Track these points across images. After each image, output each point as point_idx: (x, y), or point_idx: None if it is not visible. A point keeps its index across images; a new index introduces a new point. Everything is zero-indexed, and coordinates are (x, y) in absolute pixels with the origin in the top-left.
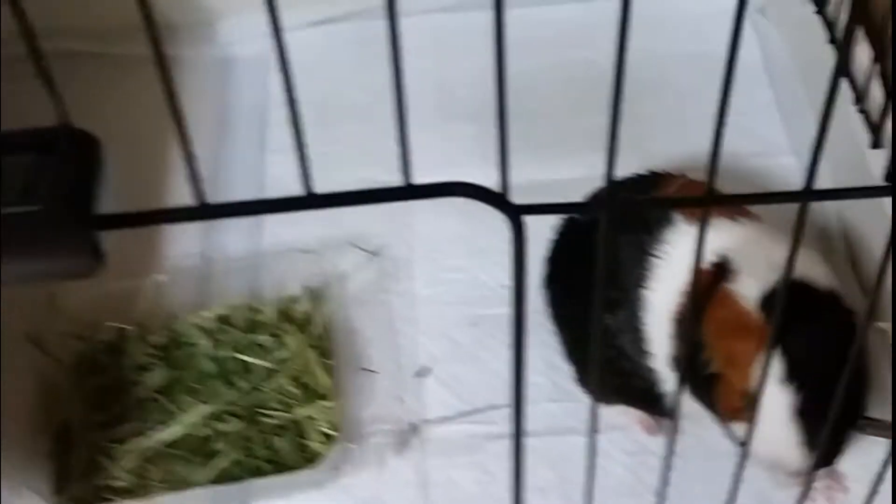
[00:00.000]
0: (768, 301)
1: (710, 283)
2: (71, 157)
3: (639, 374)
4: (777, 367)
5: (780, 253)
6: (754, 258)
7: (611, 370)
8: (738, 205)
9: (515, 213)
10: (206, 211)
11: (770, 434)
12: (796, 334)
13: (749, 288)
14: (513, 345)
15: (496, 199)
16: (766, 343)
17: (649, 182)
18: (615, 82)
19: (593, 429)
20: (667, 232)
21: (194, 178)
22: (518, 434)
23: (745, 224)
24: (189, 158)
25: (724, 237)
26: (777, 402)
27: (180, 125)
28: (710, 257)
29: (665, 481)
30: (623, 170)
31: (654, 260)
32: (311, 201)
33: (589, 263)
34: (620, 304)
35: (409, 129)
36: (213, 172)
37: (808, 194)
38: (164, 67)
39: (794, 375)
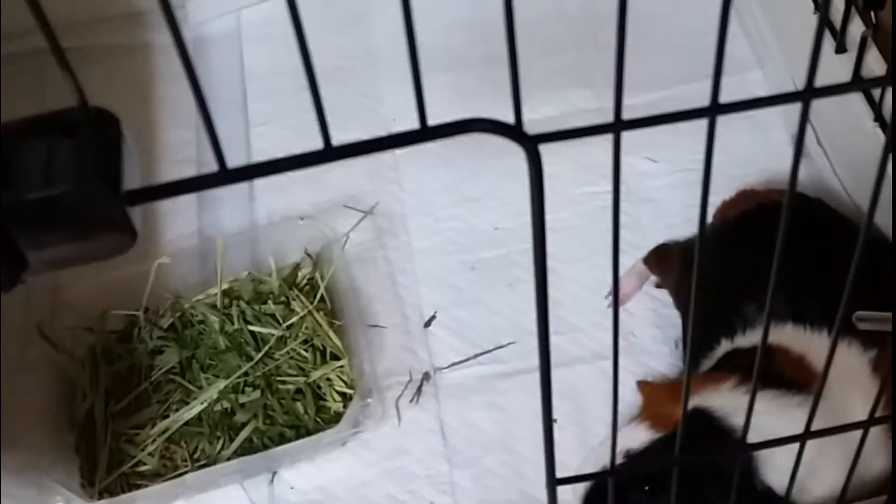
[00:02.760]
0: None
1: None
2: (92, 136)
3: None
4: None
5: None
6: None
7: None
8: (743, 109)
9: (532, 143)
10: (231, 175)
11: None
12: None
13: (710, 399)
14: (536, 273)
15: (512, 131)
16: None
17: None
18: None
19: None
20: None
21: (215, 145)
22: (546, 361)
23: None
24: (209, 126)
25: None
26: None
27: (199, 94)
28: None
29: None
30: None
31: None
32: (331, 153)
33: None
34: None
35: (421, 77)
36: (200, 153)
37: (811, 92)
38: (183, 50)
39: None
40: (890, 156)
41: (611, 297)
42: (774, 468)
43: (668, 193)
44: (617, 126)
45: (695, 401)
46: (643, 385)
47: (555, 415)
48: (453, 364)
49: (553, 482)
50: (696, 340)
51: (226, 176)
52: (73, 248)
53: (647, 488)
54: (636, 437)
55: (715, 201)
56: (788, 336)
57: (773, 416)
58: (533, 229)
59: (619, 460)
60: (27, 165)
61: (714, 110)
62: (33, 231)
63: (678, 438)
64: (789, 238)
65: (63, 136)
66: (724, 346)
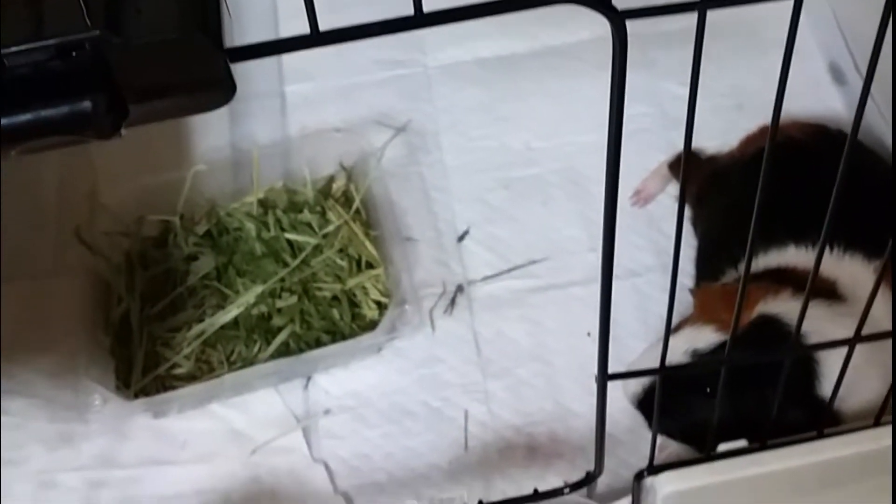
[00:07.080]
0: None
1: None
2: None
3: None
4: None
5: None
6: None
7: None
8: None
9: (620, 17)
10: (323, 37)
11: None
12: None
13: (775, 307)
14: (608, 161)
15: (600, 3)
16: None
17: None
18: None
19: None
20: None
21: (310, 9)
22: (609, 268)
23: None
24: None
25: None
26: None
27: None
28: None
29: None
30: None
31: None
32: (421, 20)
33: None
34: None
35: None
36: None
37: None
38: None
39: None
40: None
41: (635, 198)
42: (829, 378)
43: (702, 118)
44: (703, 5)
45: (758, 308)
46: (698, 291)
47: (589, 327)
48: (486, 277)
49: (605, 377)
50: (708, 264)
51: (318, 37)
52: (174, 101)
53: (708, 390)
54: (703, 338)
55: (749, 126)
56: (793, 256)
57: (835, 324)
58: (610, 109)
59: (685, 359)
60: (133, 12)
61: None
62: (138, 79)
63: (729, 341)
64: (801, 168)
65: None
66: (730, 273)
